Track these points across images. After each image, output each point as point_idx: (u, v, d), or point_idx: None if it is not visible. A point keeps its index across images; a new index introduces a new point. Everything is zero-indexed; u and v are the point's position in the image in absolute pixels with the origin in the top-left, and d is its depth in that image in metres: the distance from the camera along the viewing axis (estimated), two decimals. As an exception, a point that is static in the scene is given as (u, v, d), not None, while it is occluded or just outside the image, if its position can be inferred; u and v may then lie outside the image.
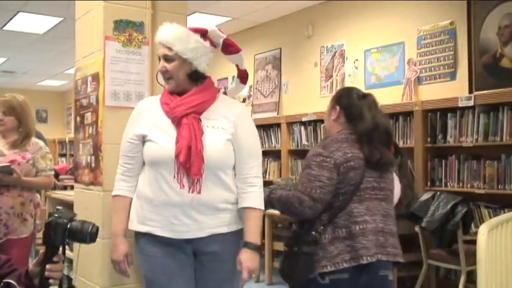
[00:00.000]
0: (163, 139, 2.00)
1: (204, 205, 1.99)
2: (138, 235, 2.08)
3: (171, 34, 2.03)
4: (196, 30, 2.06)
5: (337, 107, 2.27)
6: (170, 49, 2.02)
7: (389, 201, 2.26)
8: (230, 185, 2.05)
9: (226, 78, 7.15)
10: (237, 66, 2.31)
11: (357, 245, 2.08)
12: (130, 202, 2.09)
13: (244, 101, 6.79)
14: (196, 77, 2.06)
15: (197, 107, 2.02)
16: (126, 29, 2.42)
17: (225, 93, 2.32)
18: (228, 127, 2.03)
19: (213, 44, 2.11)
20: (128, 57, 2.41)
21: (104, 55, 2.37)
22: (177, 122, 2.00)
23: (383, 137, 2.20)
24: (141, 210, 2.04)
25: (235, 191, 2.07)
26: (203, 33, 2.07)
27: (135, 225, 2.07)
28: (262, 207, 2.08)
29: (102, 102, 2.37)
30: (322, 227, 2.13)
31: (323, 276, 2.12)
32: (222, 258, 2.06)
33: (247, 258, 2.01)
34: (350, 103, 2.24)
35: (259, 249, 2.07)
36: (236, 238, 2.08)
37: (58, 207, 1.72)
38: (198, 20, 6.02)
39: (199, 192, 1.96)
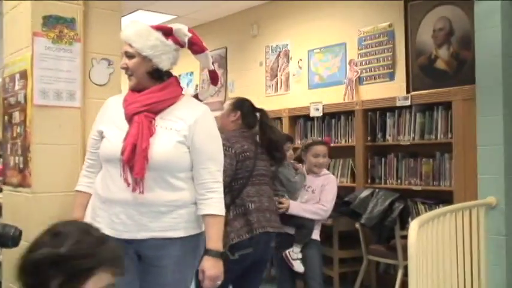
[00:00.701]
0: (115, 136, 1.99)
1: (145, 206, 1.94)
2: None
3: (132, 31, 2.03)
4: (159, 28, 2.05)
5: (238, 112, 2.83)
6: (130, 46, 2.01)
7: (271, 186, 2.88)
8: (180, 188, 1.99)
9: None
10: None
11: (252, 220, 2.62)
12: (90, 198, 2.08)
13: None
14: (158, 75, 2.04)
15: (152, 105, 1.99)
16: (56, 25, 2.32)
17: (196, 95, 2.28)
18: (182, 129, 1.98)
19: (179, 43, 2.08)
20: (58, 54, 2.32)
21: (32, 52, 2.27)
22: (129, 119, 1.99)
23: (277, 146, 2.89)
24: (93, 206, 2.05)
25: (189, 196, 2.01)
26: (167, 32, 2.05)
27: (88, 221, 2.04)
28: (223, 213, 2.04)
29: (30, 100, 2.28)
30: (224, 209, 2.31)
31: (233, 252, 2.53)
32: (165, 264, 2.00)
33: (209, 266, 1.97)
34: (248, 111, 2.86)
35: (222, 255, 2.03)
36: (183, 244, 2.01)
37: (-23, 211, 1.65)
38: (141, 18, 5.91)
39: (141, 192, 1.92)
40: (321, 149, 3.43)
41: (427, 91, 4.30)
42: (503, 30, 3.27)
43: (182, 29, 2.08)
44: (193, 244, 2.05)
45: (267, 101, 5.77)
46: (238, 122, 2.82)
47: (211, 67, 2.26)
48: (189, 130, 1.99)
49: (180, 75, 7.02)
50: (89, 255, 1.15)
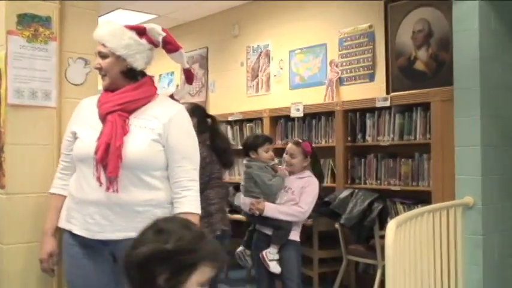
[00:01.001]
0: (89, 136, 1.98)
1: (120, 206, 1.93)
2: (64, 233, 2.06)
3: (105, 30, 2.03)
4: (132, 28, 2.05)
5: (195, 119, 2.83)
6: (104, 46, 2.01)
7: (224, 187, 3.05)
8: (156, 187, 1.98)
9: (153, 77, 7.01)
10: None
11: (213, 221, 2.83)
12: (64, 200, 2.07)
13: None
14: (132, 75, 2.03)
15: (125, 105, 1.98)
16: (31, 23, 2.28)
17: (171, 95, 2.28)
18: (157, 127, 1.98)
19: (153, 43, 2.07)
20: (33, 53, 2.28)
21: (6, 51, 2.23)
22: (102, 119, 1.98)
23: (224, 152, 3.07)
24: (67, 208, 2.04)
25: (164, 196, 2.00)
26: (141, 31, 2.05)
27: (62, 223, 2.06)
28: (199, 211, 2.03)
29: (4, 100, 2.24)
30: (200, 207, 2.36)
31: None
32: None
33: None
34: (202, 117, 3.00)
35: None
36: None
37: None
38: (121, 17, 5.86)
39: (115, 191, 1.91)
40: (288, 146, 3.44)
41: (406, 92, 4.34)
42: (481, 33, 3.31)
43: (156, 28, 2.08)
44: None
45: (248, 101, 5.77)
46: (194, 128, 2.92)
47: (186, 66, 2.26)
48: (163, 128, 1.98)
49: (160, 75, 6.98)
50: (192, 251, 1.19)
